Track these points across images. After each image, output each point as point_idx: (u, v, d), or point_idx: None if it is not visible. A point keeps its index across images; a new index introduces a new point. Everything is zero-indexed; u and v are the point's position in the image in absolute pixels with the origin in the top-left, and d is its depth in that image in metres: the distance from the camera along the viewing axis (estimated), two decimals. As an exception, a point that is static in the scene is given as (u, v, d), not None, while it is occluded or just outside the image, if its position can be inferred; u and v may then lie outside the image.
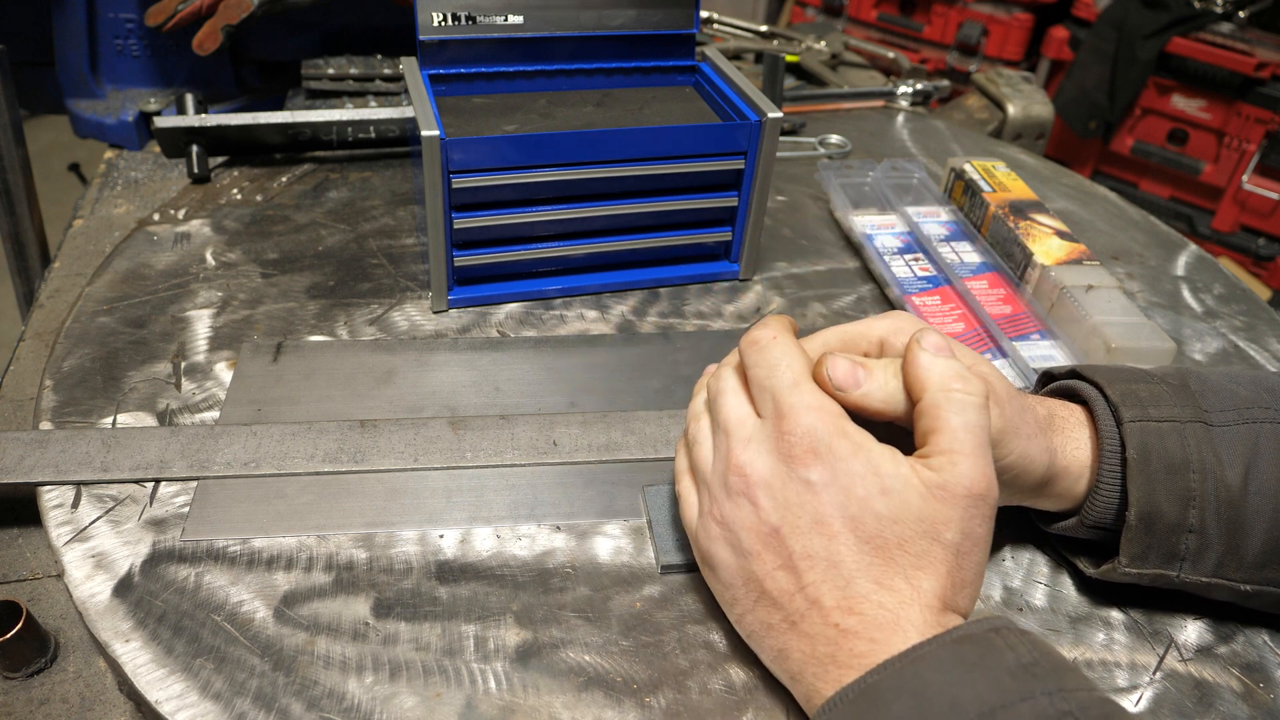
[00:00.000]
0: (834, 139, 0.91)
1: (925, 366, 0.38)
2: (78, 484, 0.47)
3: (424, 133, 0.54)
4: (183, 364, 0.56)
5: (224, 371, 0.55)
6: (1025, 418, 0.41)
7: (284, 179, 0.76)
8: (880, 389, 0.39)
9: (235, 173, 0.76)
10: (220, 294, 0.62)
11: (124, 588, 0.42)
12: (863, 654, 0.34)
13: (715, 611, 0.42)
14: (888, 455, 0.37)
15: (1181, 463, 0.41)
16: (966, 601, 0.37)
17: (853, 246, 0.73)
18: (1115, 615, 0.45)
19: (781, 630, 0.37)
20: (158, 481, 0.48)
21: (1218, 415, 0.42)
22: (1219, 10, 2.11)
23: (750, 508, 0.38)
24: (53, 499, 0.46)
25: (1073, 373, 0.47)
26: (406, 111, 0.67)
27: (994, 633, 0.33)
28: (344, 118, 0.76)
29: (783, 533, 0.37)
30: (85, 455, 0.48)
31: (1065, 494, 0.43)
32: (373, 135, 0.79)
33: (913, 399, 0.39)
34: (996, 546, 0.48)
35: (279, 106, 0.90)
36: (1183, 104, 2.15)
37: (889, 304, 0.67)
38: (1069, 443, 0.43)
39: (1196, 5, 2.11)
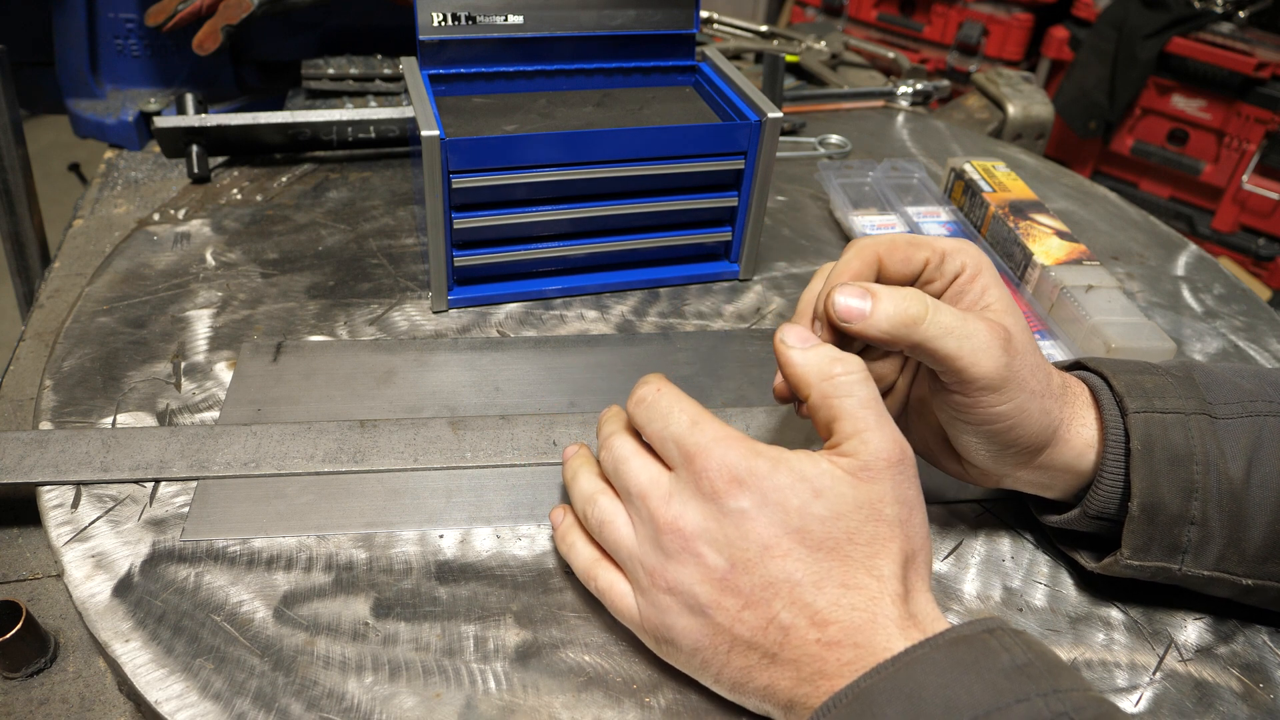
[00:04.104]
0: (834, 139, 0.91)
1: (800, 363, 0.38)
2: (78, 484, 0.47)
3: (424, 133, 0.54)
4: (183, 364, 0.56)
5: (224, 371, 0.55)
6: (1036, 374, 0.41)
7: (284, 179, 0.76)
8: (893, 308, 0.39)
9: (235, 173, 0.76)
10: (220, 294, 0.62)
11: (124, 588, 0.42)
12: (850, 661, 0.34)
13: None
14: (807, 459, 0.36)
15: (1185, 454, 0.41)
16: (923, 570, 0.37)
17: (853, 246, 0.73)
18: (1115, 615, 0.45)
19: (763, 667, 0.36)
20: (158, 481, 0.48)
21: (1222, 408, 0.42)
22: (1219, 10, 2.11)
23: (695, 561, 0.36)
24: (53, 499, 0.46)
25: (1077, 364, 0.47)
26: (406, 111, 0.67)
27: (988, 634, 0.33)
28: (344, 118, 0.76)
29: (735, 572, 0.36)
30: (85, 455, 0.48)
31: (1064, 469, 0.43)
32: (373, 135, 0.79)
33: (800, 397, 0.39)
34: (997, 546, 0.48)
35: (279, 106, 0.89)
36: (1183, 104, 2.15)
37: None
38: (1075, 419, 0.43)
39: (1196, 5, 2.11)
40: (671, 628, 0.37)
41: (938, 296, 0.44)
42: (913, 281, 0.44)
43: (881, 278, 0.44)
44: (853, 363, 0.38)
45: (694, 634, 0.37)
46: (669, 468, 0.39)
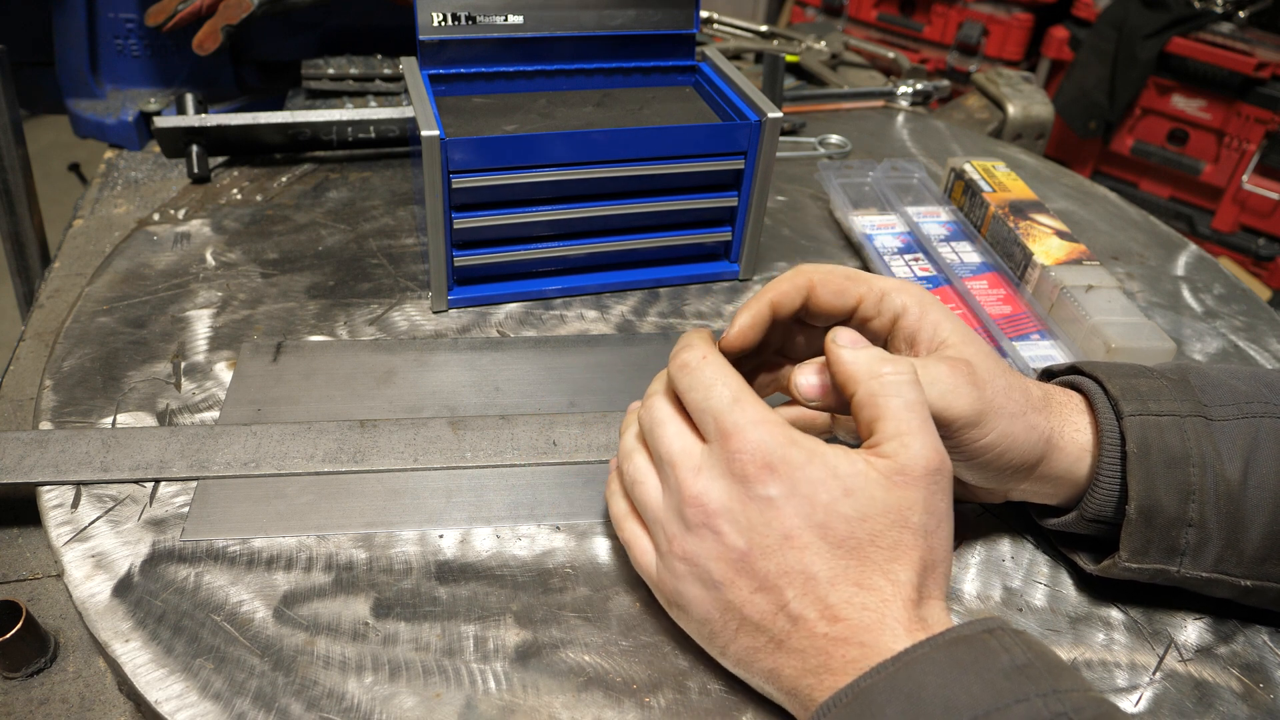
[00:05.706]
0: (834, 139, 0.91)
1: (850, 360, 0.39)
2: (77, 484, 0.47)
3: (424, 133, 0.54)
4: (183, 364, 0.56)
5: (224, 371, 0.55)
6: (1011, 395, 0.41)
7: (284, 179, 0.76)
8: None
9: (235, 173, 0.76)
10: (220, 294, 0.62)
11: (124, 588, 0.42)
12: (855, 659, 0.34)
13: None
14: (842, 455, 0.36)
15: (1181, 456, 0.41)
16: (941, 580, 0.37)
17: (853, 246, 0.73)
18: (1115, 615, 0.45)
19: (769, 651, 0.36)
20: (157, 481, 0.48)
21: (1217, 410, 0.42)
22: (1219, 10, 2.11)
23: (714, 538, 0.37)
24: (53, 499, 0.46)
25: (1072, 369, 0.47)
26: (406, 111, 0.67)
27: (988, 634, 0.33)
28: (344, 118, 0.76)
29: (752, 555, 0.36)
30: (85, 455, 0.48)
31: (1063, 476, 0.43)
32: (373, 135, 0.79)
33: (846, 395, 0.39)
34: (997, 546, 0.48)
35: (279, 106, 0.90)
36: (1183, 104, 2.15)
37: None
38: (1067, 425, 0.43)
39: (1196, 5, 2.11)
40: (684, 594, 0.38)
41: (883, 337, 0.44)
42: (848, 317, 0.44)
43: (812, 306, 0.44)
44: (903, 364, 0.38)
45: (704, 605, 0.37)
46: (704, 438, 0.39)
